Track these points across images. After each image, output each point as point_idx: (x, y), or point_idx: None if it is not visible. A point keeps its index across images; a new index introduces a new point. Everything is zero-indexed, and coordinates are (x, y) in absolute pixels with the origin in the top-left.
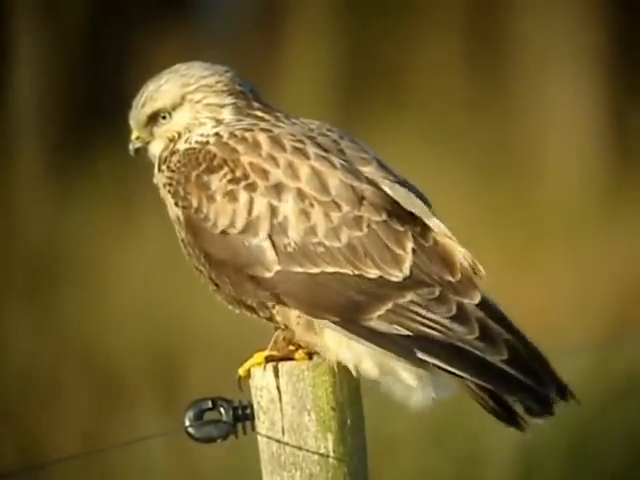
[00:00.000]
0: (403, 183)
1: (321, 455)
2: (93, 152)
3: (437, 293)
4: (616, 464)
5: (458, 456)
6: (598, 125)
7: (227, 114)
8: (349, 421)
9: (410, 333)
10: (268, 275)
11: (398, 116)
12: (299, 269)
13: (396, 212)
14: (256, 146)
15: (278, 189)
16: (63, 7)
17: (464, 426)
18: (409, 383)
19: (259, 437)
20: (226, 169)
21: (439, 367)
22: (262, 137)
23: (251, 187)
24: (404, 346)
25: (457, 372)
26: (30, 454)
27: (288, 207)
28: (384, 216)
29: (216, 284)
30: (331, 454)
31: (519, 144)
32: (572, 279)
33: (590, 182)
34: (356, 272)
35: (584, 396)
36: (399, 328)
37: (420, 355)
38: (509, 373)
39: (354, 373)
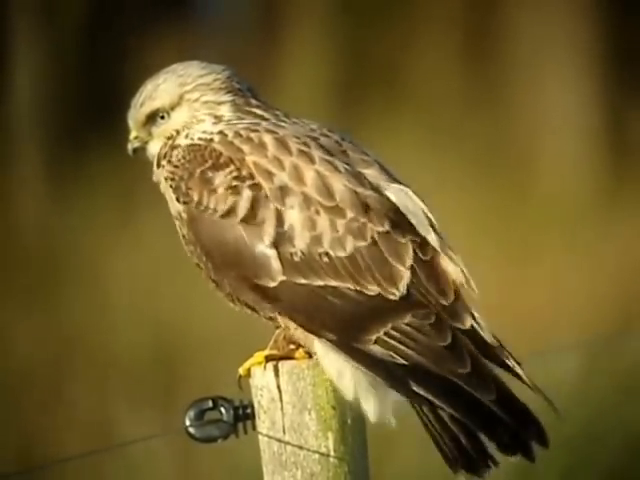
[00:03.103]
0: (405, 188)
1: (322, 454)
2: (92, 152)
3: (433, 318)
4: (616, 459)
5: None
6: (594, 121)
7: (225, 111)
8: (350, 420)
9: (405, 362)
10: (272, 285)
11: (396, 115)
12: (303, 281)
13: (398, 221)
14: (262, 147)
15: (283, 192)
16: (61, 8)
17: None
18: (376, 408)
19: (260, 436)
20: (232, 167)
21: (429, 400)
22: (268, 138)
23: (256, 187)
24: (398, 376)
25: (448, 409)
26: (31, 454)
27: (294, 214)
28: (387, 226)
29: (216, 283)
30: (332, 453)
31: (517, 141)
32: (570, 274)
33: (588, 177)
34: (357, 287)
35: (585, 392)
36: (395, 356)
37: (414, 388)
38: (496, 414)
39: (335, 386)
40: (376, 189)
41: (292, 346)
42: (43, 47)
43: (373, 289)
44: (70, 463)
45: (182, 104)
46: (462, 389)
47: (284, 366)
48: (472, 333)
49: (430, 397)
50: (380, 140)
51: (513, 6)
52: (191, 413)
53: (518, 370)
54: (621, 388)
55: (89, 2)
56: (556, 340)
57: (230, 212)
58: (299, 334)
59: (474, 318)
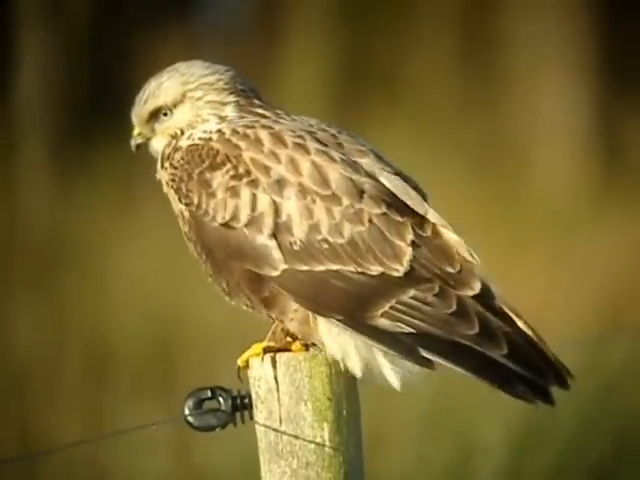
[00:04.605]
0: (399, 174)
1: (317, 444)
2: (96, 146)
3: (437, 289)
4: (607, 453)
5: (452, 445)
6: (587, 125)
7: (229, 111)
8: (345, 411)
9: (413, 330)
10: (275, 274)
11: (392, 117)
12: (304, 267)
13: (394, 203)
14: (258, 142)
15: (280, 185)
16: (68, 7)
17: (458, 414)
18: (391, 383)
19: (257, 426)
20: (229, 165)
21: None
22: (263, 134)
23: (253, 183)
24: (407, 345)
25: (460, 370)
26: (31, 441)
27: (291, 204)
28: (383, 208)
29: (213, 278)
30: (327, 443)
31: (511, 144)
32: (561, 274)
33: (580, 180)
34: (359, 269)
35: (574, 391)
36: (402, 326)
37: (424, 353)
38: (510, 368)
39: (341, 367)
40: (371, 176)
41: (289, 338)
42: (50, 44)
43: (376, 269)
44: (70, 450)
45: (185, 102)
46: (472, 349)
47: (281, 358)
48: (480, 297)
49: (441, 361)
50: (375, 141)
51: (510, 14)
52: (190, 402)
53: (528, 332)
54: (610, 385)
55: (95, 2)
56: (546, 338)
57: (231, 220)
58: (294, 327)
59: (485, 285)
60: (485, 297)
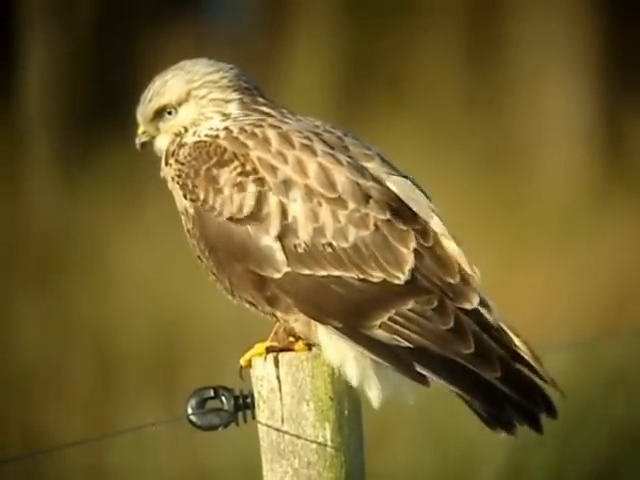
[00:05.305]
0: (405, 179)
1: (319, 444)
2: (101, 145)
3: (436, 302)
4: (605, 456)
5: (453, 445)
6: (590, 128)
7: (233, 109)
8: (346, 411)
9: (410, 345)
10: (277, 276)
11: (396, 117)
12: (307, 271)
13: (399, 210)
14: (265, 142)
15: (286, 185)
16: (72, 6)
17: (459, 414)
18: (379, 395)
19: (259, 425)
20: (236, 163)
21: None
22: (271, 133)
23: (260, 182)
24: (404, 358)
25: (453, 388)
26: (35, 440)
27: (297, 206)
28: (388, 215)
29: (216, 276)
30: (329, 443)
31: (514, 145)
32: (564, 276)
33: (582, 181)
34: (361, 276)
35: (575, 391)
36: (399, 339)
37: (419, 369)
38: (502, 391)
39: (339, 373)
40: (377, 180)
41: (292, 338)
42: (55, 43)
43: (377, 276)
44: (72, 450)
45: (189, 100)
46: (467, 369)
47: (284, 357)
48: (478, 313)
49: (435, 378)
50: (378, 143)
51: (515, 15)
52: (193, 402)
53: (522, 353)
54: (610, 383)
55: (101, 1)
56: (543, 340)
57: (236, 213)
58: (298, 327)
59: (483, 300)
60: (482, 314)
